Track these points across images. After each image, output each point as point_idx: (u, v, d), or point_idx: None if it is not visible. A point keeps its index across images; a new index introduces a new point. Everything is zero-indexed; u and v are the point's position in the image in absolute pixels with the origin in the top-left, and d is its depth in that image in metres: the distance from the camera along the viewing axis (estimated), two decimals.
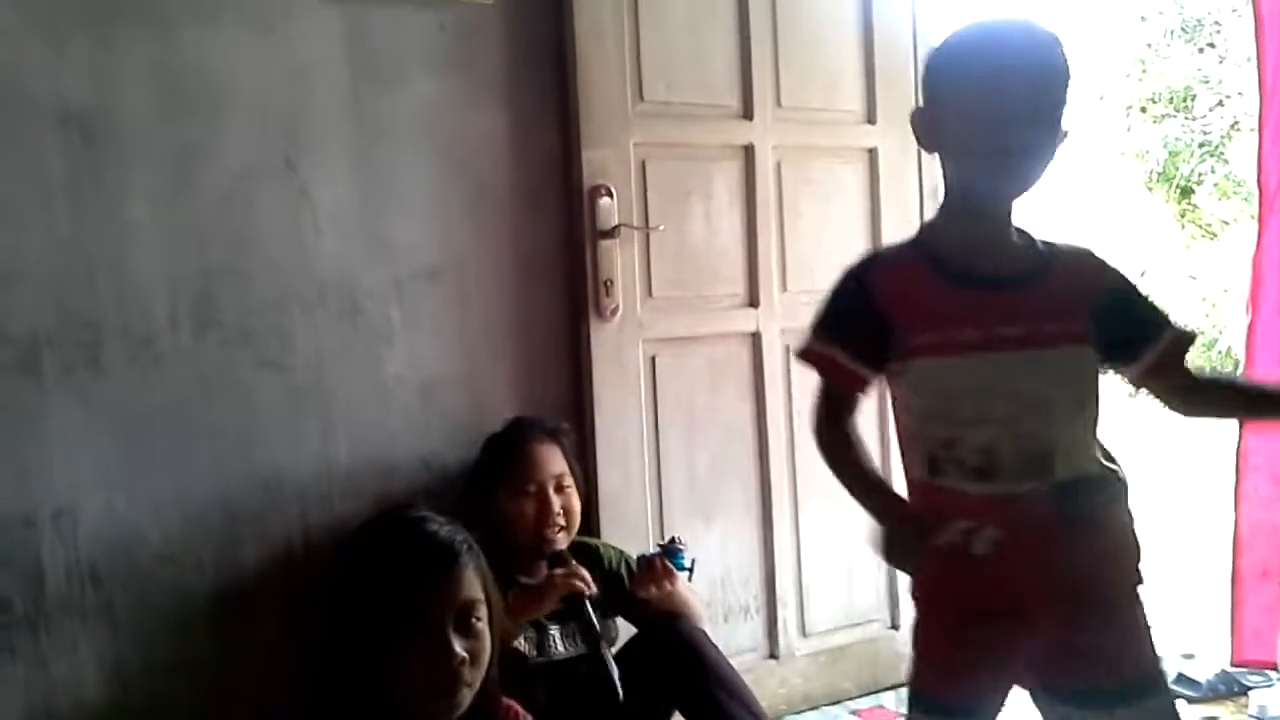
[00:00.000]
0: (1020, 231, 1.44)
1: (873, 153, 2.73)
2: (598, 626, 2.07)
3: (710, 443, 2.54)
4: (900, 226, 2.62)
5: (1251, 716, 2.51)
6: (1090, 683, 1.40)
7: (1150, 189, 8.38)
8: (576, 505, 2.16)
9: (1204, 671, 2.66)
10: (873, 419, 2.35)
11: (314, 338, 2.14)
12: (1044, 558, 1.37)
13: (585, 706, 2.00)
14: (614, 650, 2.12)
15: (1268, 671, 2.62)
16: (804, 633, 2.66)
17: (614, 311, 2.38)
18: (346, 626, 1.39)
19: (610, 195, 2.37)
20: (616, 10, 2.38)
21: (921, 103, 1.44)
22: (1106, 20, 8.32)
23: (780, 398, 2.61)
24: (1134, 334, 1.43)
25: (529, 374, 2.36)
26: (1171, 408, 1.49)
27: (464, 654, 1.38)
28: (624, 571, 2.21)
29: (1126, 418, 3.83)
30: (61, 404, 1.93)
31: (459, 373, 2.28)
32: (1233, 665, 2.67)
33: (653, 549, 2.19)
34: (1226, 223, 7.84)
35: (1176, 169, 8.16)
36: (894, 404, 1.47)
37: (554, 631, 2.09)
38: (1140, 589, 1.44)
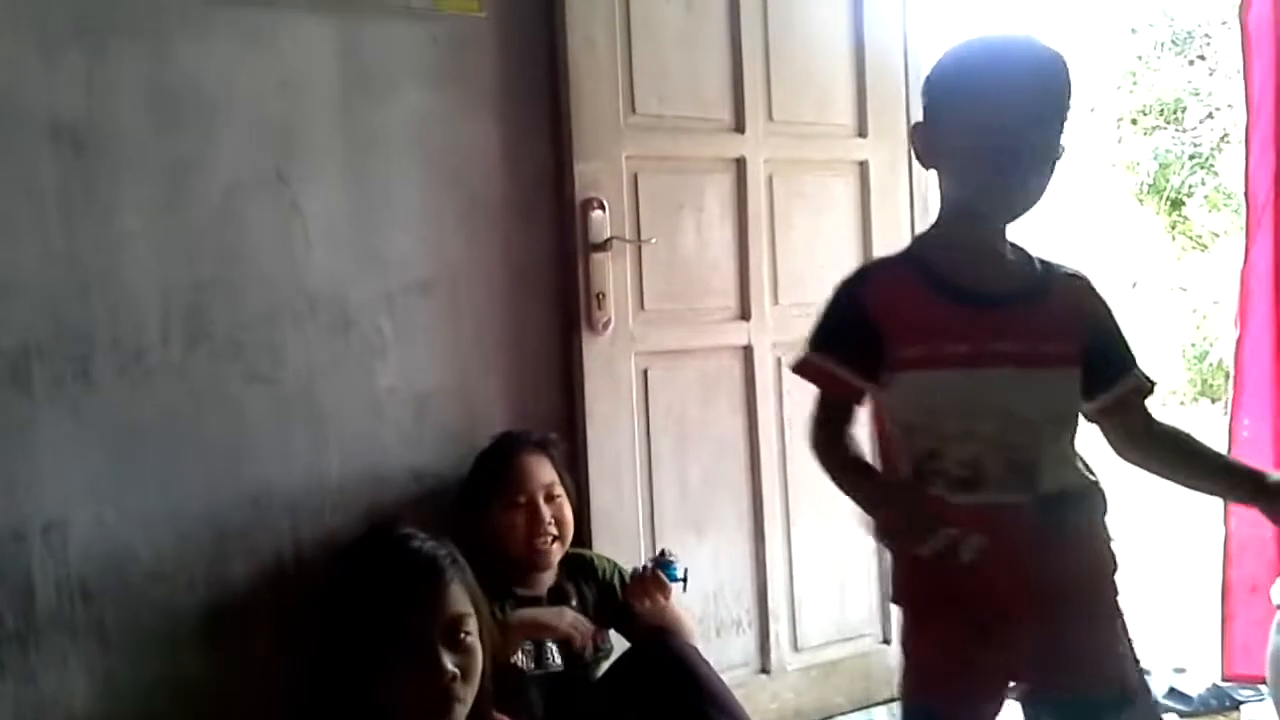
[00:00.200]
0: (1016, 249, 1.44)
1: (864, 166, 2.74)
2: (588, 659, 2.09)
3: (702, 456, 2.54)
4: (891, 239, 2.63)
5: None
6: (1074, 693, 1.40)
7: (1141, 201, 8.41)
8: (568, 515, 2.16)
9: (1195, 686, 2.67)
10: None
11: (305, 351, 2.13)
12: (1027, 567, 1.37)
13: (578, 716, 2.01)
14: (608, 664, 2.13)
15: (1259, 686, 2.62)
16: (796, 647, 2.66)
17: (606, 324, 2.38)
18: (337, 649, 1.39)
19: (602, 208, 2.37)
20: (609, 23, 2.39)
21: (921, 118, 1.43)
22: (1097, 32, 8.37)
23: (772, 411, 2.61)
24: (1101, 370, 1.43)
25: (521, 387, 2.35)
26: (1116, 450, 1.49)
27: (455, 670, 1.37)
28: (617, 583, 2.21)
29: None
30: (52, 417, 1.92)
31: (451, 385, 2.27)
32: (1224, 680, 2.67)
33: (644, 563, 2.19)
34: (1217, 234, 7.87)
35: (1167, 181, 8.19)
36: (879, 413, 1.47)
37: (551, 644, 2.08)
38: (1119, 602, 1.45)
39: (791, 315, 2.56)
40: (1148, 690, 1.47)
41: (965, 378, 1.37)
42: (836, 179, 2.73)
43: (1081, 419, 1.45)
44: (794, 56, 2.63)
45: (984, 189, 1.37)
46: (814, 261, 2.64)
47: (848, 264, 1.53)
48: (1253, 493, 1.41)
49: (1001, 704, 1.46)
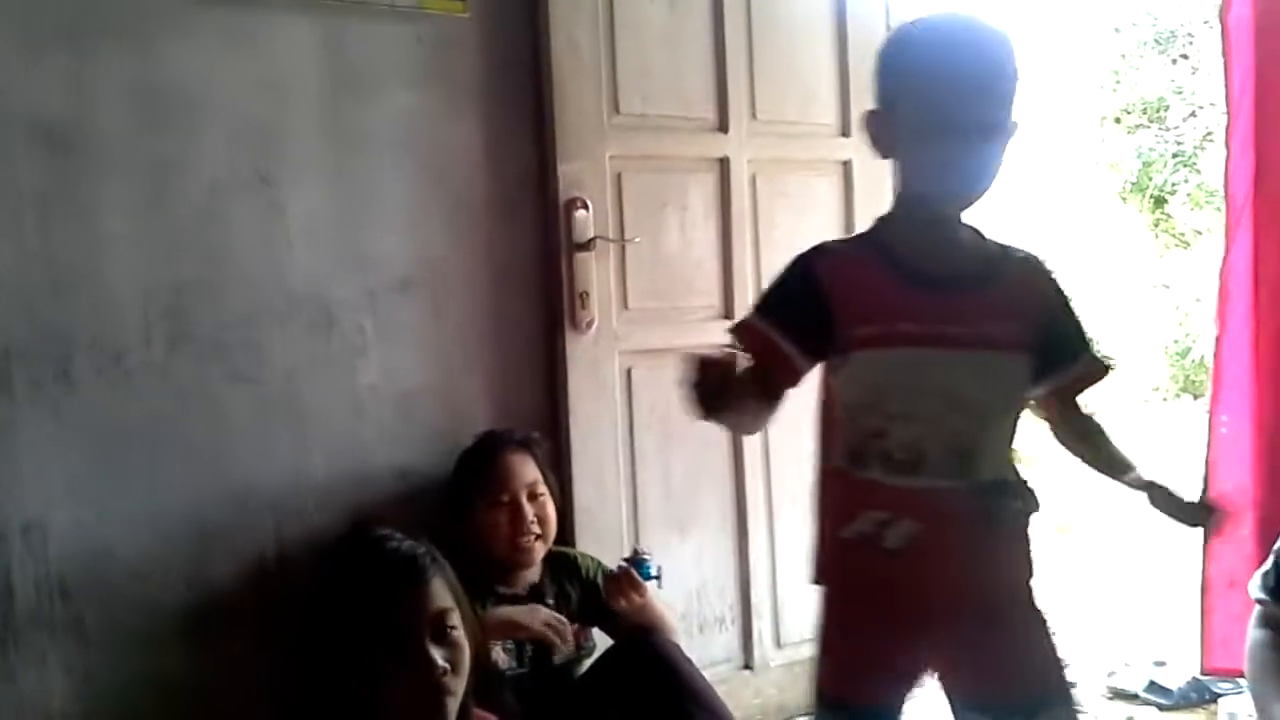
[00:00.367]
0: (973, 232, 1.44)
1: (847, 165, 2.74)
2: (562, 658, 2.10)
3: (685, 454, 2.55)
4: None
5: None
6: (996, 690, 1.40)
7: (1124, 199, 8.45)
8: (551, 513, 2.17)
9: (1175, 679, 2.70)
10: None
11: (287, 350, 2.13)
12: (958, 555, 1.37)
13: (559, 714, 2.02)
14: (590, 661, 2.14)
15: (1237, 679, 2.64)
16: (779, 643, 2.67)
17: (589, 324, 2.39)
18: (326, 651, 1.40)
19: (586, 207, 2.37)
20: (592, 23, 2.39)
21: (873, 104, 1.43)
22: (1080, 31, 8.41)
23: None
24: (1052, 354, 1.43)
25: (504, 385, 2.36)
26: (1054, 434, 1.52)
27: (445, 664, 1.38)
28: (600, 581, 2.21)
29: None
30: (32, 417, 1.92)
31: (434, 384, 2.28)
32: (1203, 673, 2.70)
33: (618, 562, 2.20)
34: (1200, 232, 7.91)
35: (1150, 179, 8.22)
36: (825, 394, 1.46)
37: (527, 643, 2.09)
38: (1039, 603, 1.45)
39: None
40: (1069, 693, 1.46)
41: (914, 357, 1.36)
42: (820, 178, 2.73)
43: (1025, 410, 1.45)
44: (777, 56, 2.64)
45: (942, 168, 1.35)
46: None
47: None
48: (1145, 486, 1.46)
49: (911, 691, 1.45)
